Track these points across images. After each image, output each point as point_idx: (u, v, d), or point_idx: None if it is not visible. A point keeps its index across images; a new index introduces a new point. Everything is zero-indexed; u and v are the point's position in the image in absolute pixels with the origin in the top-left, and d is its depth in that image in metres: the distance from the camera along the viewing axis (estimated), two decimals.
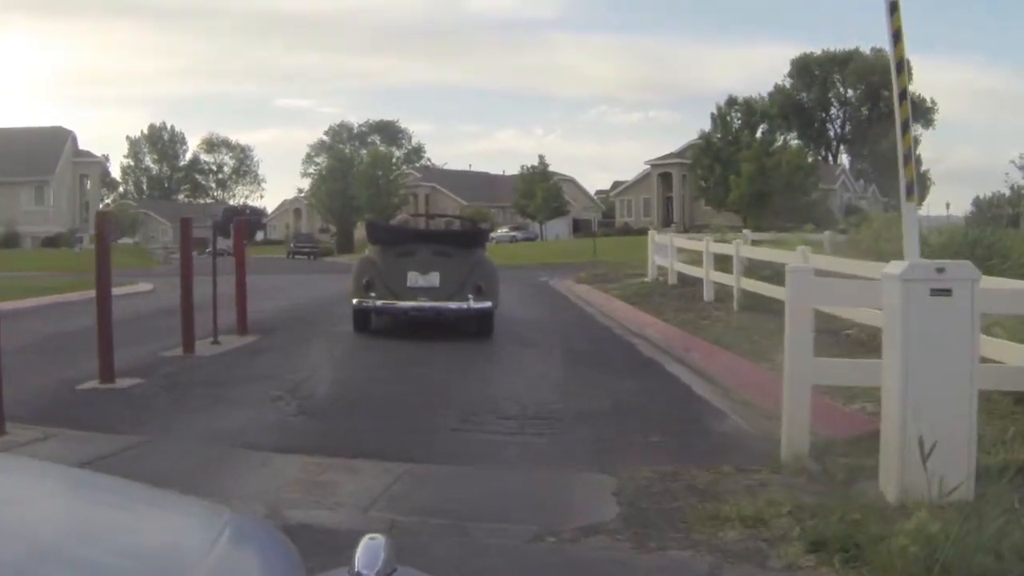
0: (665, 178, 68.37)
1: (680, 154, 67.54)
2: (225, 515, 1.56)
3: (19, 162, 47.50)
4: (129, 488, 1.78)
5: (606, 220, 68.22)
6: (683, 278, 17.45)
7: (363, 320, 11.98)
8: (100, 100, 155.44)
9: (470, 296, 11.41)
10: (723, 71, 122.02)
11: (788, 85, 65.69)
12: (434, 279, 11.58)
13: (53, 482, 1.69)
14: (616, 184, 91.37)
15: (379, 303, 11.58)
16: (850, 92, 68.11)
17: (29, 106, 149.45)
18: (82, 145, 56.60)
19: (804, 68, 66.51)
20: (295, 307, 16.29)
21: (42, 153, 49.55)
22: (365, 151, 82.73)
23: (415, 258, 11.79)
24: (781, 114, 60.59)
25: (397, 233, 13.19)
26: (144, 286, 21.55)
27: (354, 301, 11.75)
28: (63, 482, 1.73)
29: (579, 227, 71.00)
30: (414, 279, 11.60)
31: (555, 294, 20.27)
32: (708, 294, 14.93)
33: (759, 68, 79.91)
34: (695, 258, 16.64)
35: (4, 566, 1.15)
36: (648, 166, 70.31)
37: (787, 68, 67.30)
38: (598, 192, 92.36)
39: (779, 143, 56.49)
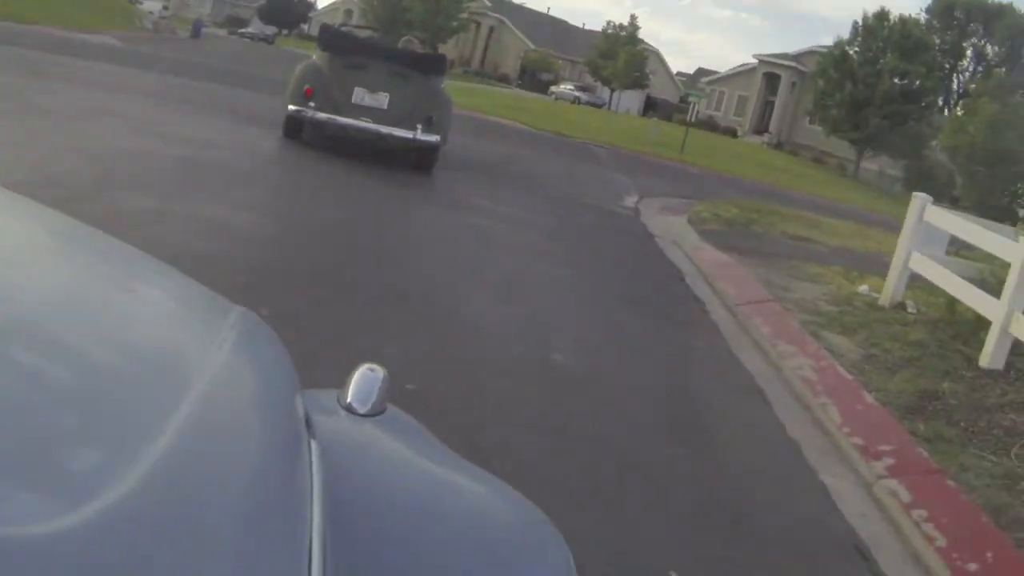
0: (771, 79, 56.49)
1: (796, 58, 55.68)
2: (232, 313, 1.25)
3: None
4: (138, 259, 1.35)
5: (682, 105, 55.98)
6: None
7: (294, 129, 10.86)
8: None
9: (419, 126, 10.38)
10: None
11: (922, 21, 52.72)
12: (383, 100, 10.54)
13: (50, 234, 1.30)
14: (702, 72, 79.37)
15: (318, 115, 10.39)
16: (989, 48, 55.33)
17: None
18: None
19: (947, 8, 53.83)
20: None
21: None
22: None
23: (366, 73, 10.59)
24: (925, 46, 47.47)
25: (352, 42, 11.81)
26: None
27: (290, 107, 10.53)
28: (60, 236, 1.31)
29: (652, 106, 59.56)
30: (360, 96, 10.51)
31: (674, 288, 7.98)
32: None
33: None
34: None
35: None
36: (755, 60, 58.17)
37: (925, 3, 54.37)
38: (678, 74, 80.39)
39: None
